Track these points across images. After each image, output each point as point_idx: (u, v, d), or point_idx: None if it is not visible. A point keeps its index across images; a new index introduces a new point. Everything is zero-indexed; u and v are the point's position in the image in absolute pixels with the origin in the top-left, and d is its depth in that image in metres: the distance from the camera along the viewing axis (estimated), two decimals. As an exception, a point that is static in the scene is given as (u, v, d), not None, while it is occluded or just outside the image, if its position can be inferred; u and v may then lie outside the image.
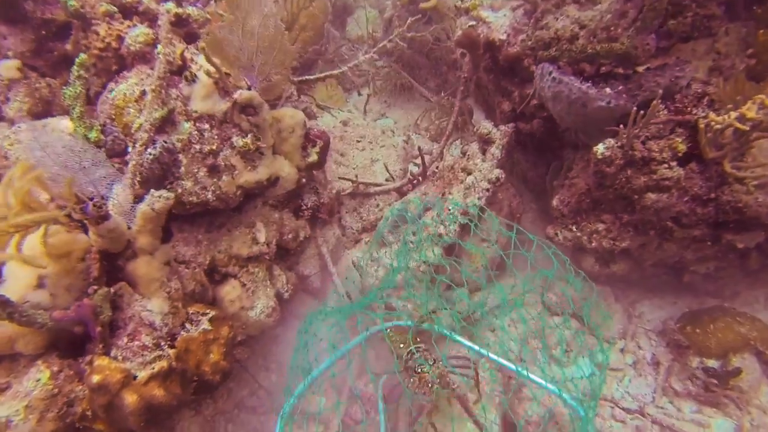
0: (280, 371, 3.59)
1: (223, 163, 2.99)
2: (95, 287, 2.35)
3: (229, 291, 3.14)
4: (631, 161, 2.75)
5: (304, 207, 3.68)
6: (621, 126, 2.69)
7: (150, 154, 2.67)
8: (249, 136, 3.05)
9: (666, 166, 2.66)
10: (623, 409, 3.04)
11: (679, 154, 2.63)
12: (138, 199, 2.68)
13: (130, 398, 2.15)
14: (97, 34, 3.14)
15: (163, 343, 2.38)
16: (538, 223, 4.11)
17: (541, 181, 3.84)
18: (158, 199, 2.49)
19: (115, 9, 3.18)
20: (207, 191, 2.93)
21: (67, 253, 2.37)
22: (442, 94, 5.03)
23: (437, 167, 4.14)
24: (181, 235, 3.09)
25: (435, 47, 5.19)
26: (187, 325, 2.58)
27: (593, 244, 3.15)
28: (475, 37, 3.72)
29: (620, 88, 2.68)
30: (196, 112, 2.93)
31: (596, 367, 2.98)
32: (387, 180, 4.44)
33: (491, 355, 2.67)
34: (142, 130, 2.73)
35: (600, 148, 2.79)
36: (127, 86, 2.96)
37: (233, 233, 3.26)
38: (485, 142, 3.66)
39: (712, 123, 2.44)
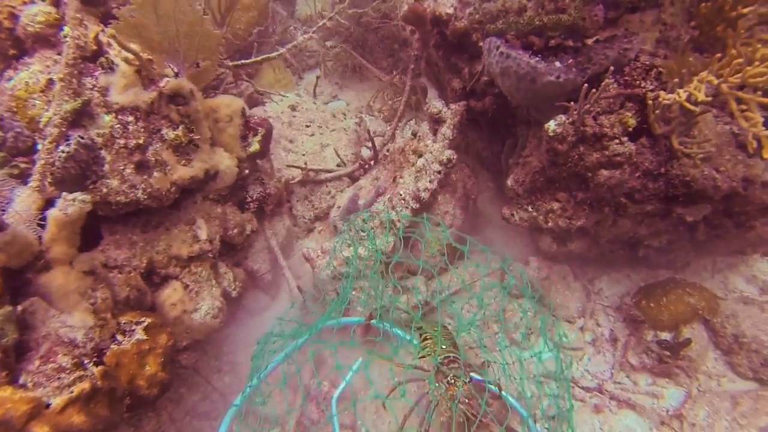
0: (233, 372, 3.41)
1: (153, 159, 2.74)
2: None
3: (170, 294, 2.93)
4: (583, 138, 2.67)
5: (249, 199, 3.47)
6: (572, 102, 2.60)
7: (62, 151, 2.39)
8: (180, 127, 2.81)
9: (617, 141, 2.61)
10: (583, 388, 3.04)
11: (630, 129, 2.58)
12: (51, 202, 2.40)
13: (40, 431, 1.91)
14: (-17, 10, 2.75)
15: (86, 361, 2.14)
16: (496, 203, 4.03)
17: (497, 159, 3.73)
18: (72, 202, 2.23)
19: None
20: (136, 189, 2.69)
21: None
22: (394, 73, 4.83)
23: (389, 150, 3.97)
24: (112, 237, 2.84)
25: (384, 24, 4.96)
26: (119, 337, 2.36)
27: (549, 224, 3.09)
28: (422, 11, 3.54)
29: (570, 61, 2.58)
30: (117, 103, 2.65)
31: (557, 349, 2.92)
32: (338, 165, 4.24)
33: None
34: (51, 124, 2.43)
35: (551, 125, 2.70)
36: (29, 74, 2.63)
37: (172, 232, 3.02)
38: (436, 122, 3.52)
39: (660, 99, 2.38)
